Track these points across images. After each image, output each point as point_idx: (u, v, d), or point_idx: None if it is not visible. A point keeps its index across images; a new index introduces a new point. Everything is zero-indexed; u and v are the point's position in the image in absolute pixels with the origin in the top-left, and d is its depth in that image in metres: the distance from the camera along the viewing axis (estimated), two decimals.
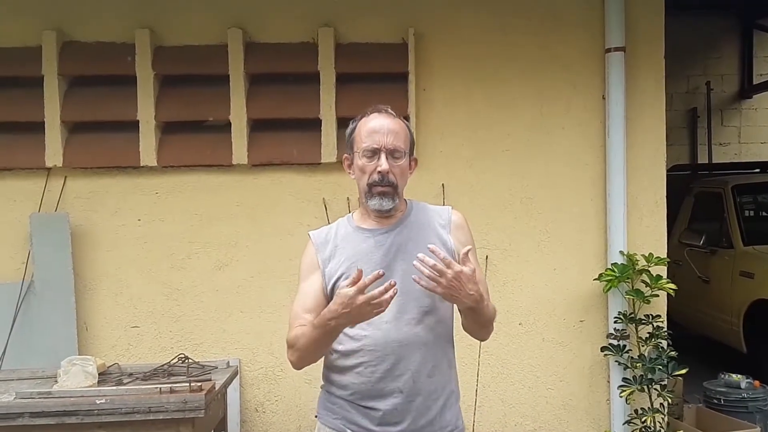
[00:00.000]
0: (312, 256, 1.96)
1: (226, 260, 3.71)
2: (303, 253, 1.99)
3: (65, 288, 3.59)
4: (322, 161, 3.65)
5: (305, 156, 3.67)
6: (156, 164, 3.65)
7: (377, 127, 1.89)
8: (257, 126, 3.71)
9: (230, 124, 3.65)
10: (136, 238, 3.70)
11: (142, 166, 3.66)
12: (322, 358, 1.95)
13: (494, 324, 1.95)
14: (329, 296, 1.89)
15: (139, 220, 3.70)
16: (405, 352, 1.84)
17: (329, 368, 1.96)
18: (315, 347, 1.83)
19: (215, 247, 3.71)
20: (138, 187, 3.70)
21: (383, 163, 1.86)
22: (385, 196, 1.88)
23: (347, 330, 1.86)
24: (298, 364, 1.90)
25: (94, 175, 3.69)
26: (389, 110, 1.95)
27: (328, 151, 3.64)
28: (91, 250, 3.68)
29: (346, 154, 1.99)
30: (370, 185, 1.88)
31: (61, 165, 3.64)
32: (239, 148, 3.65)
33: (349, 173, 1.97)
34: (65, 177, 3.67)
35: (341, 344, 1.88)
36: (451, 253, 1.90)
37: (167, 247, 3.70)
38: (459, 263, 1.74)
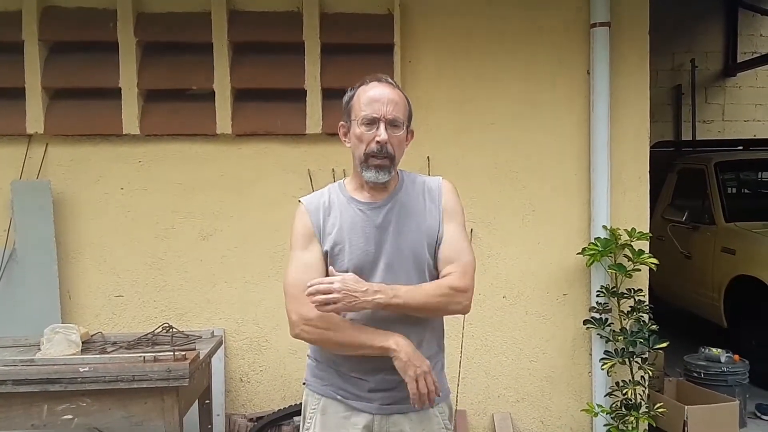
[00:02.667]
0: (306, 224, 1.92)
1: (210, 230, 3.70)
2: (295, 219, 1.95)
3: (47, 256, 3.56)
4: (307, 132, 3.62)
5: (290, 127, 3.64)
6: (139, 132, 3.61)
7: (377, 95, 1.86)
8: (241, 95, 3.67)
9: (214, 93, 3.61)
10: (119, 206, 3.67)
11: (125, 135, 3.62)
12: None
13: (470, 296, 1.89)
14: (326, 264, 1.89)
15: (122, 188, 3.67)
16: (392, 328, 1.84)
17: None
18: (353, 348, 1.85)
19: (199, 217, 3.69)
20: (121, 156, 3.66)
21: (382, 133, 1.83)
22: (381, 169, 1.86)
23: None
24: (318, 344, 1.92)
25: (76, 142, 3.64)
26: (389, 79, 1.92)
27: (314, 122, 3.61)
28: (74, 218, 3.65)
29: (342, 122, 1.96)
30: (367, 155, 1.85)
31: (42, 132, 3.59)
32: (223, 118, 3.61)
33: (345, 141, 1.95)
34: (47, 144, 3.62)
35: None
36: (439, 224, 1.92)
37: (151, 216, 3.68)
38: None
